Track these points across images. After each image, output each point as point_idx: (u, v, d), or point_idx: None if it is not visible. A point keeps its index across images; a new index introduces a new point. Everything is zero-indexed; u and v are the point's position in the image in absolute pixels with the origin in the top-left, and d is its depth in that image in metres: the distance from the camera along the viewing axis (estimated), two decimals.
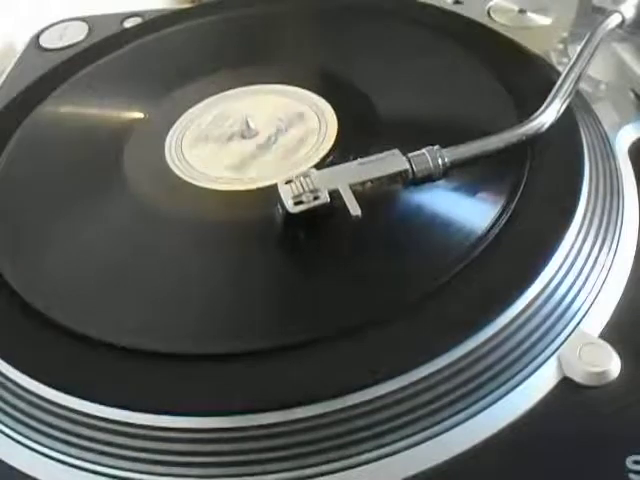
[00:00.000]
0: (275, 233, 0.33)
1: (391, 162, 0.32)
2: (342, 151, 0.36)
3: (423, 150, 0.32)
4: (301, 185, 0.31)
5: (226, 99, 0.42)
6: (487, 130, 0.34)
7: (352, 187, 0.31)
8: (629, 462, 0.25)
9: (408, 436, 0.27)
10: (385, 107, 0.38)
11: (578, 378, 0.28)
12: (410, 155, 0.32)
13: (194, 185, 0.36)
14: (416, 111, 0.38)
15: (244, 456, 0.27)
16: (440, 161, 0.32)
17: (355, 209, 0.30)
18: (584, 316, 0.29)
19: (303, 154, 0.37)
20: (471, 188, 0.33)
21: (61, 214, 0.36)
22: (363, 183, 0.32)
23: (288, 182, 0.32)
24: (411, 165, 0.32)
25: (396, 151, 0.32)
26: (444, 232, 0.32)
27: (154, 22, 0.50)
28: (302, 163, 0.36)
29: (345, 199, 0.31)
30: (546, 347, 0.28)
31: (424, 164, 0.32)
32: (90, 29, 0.52)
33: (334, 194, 0.31)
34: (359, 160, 0.32)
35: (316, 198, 0.31)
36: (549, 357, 0.28)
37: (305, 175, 0.32)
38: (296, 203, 0.31)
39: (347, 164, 0.32)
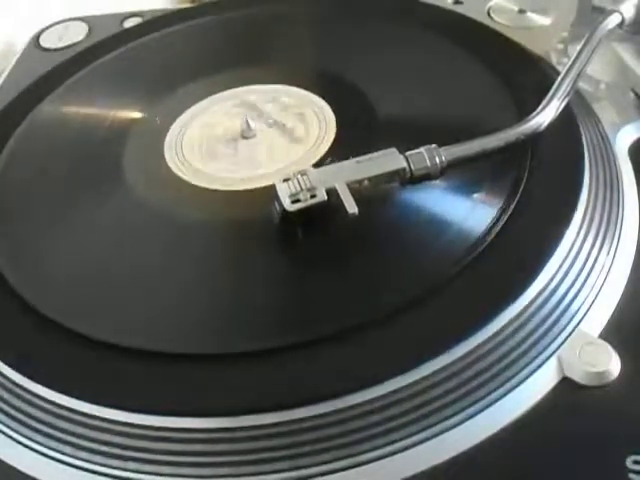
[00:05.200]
0: (273, 232, 0.33)
1: (388, 160, 0.32)
2: (341, 150, 0.36)
3: (421, 149, 0.32)
4: (298, 183, 0.31)
5: (226, 99, 0.42)
6: (486, 130, 0.34)
7: (349, 185, 0.31)
8: (629, 462, 0.25)
9: (408, 436, 0.27)
10: (384, 107, 0.38)
11: (578, 378, 0.28)
12: (408, 154, 0.32)
13: (194, 185, 0.36)
14: (415, 111, 0.38)
15: (244, 456, 0.27)
16: (437, 160, 0.32)
17: (352, 207, 0.30)
18: (584, 316, 0.29)
19: (303, 154, 0.37)
20: (471, 188, 0.33)
21: (61, 214, 0.36)
22: (360, 181, 0.32)
23: (286, 180, 0.32)
24: (408, 164, 0.32)
25: (394, 149, 0.32)
26: (443, 232, 0.32)
27: (154, 22, 0.50)
28: (301, 163, 0.36)
29: (342, 197, 0.31)
30: (546, 347, 0.28)
31: (421, 163, 0.32)
32: (90, 29, 0.52)
33: (331, 192, 0.31)
34: (356, 158, 0.32)
35: (313, 196, 0.31)
36: (549, 357, 0.28)
37: (302, 173, 0.32)
38: (293, 201, 0.31)
39: (344, 162, 0.32)
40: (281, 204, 0.31)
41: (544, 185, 0.33)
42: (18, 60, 0.51)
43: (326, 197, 0.31)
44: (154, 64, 0.46)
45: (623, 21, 0.39)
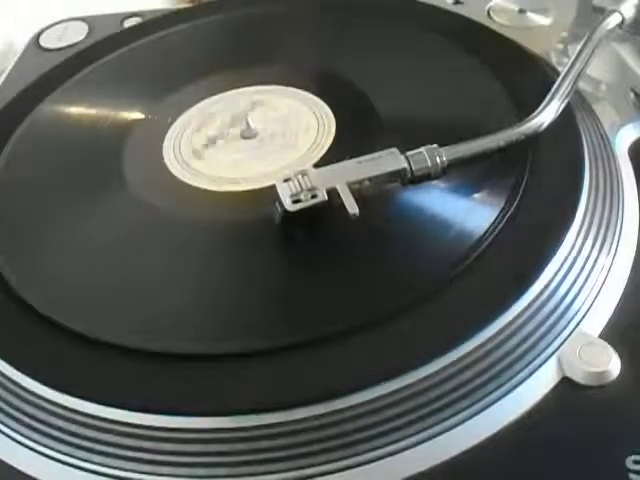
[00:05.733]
0: (273, 232, 0.32)
1: (389, 161, 0.32)
2: (341, 151, 0.36)
3: (421, 149, 0.32)
4: (299, 183, 0.31)
5: (226, 99, 0.42)
6: (486, 130, 0.34)
7: (350, 186, 0.31)
8: (629, 462, 0.25)
9: (408, 436, 0.27)
10: (384, 107, 0.38)
11: (578, 378, 0.28)
12: (408, 154, 0.32)
13: (193, 186, 0.36)
14: (416, 111, 0.38)
15: (244, 456, 0.26)
16: (438, 160, 0.32)
17: (353, 207, 0.30)
18: (584, 316, 0.29)
19: (302, 154, 0.37)
20: (471, 188, 0.33)
21: (60, 214, 0.36)
22: (361, 182, 0.32)
23: (286, 180, 0.32)
24: (409, 164, 0.32)
25: (394, 150, 0.32)
26: (443, 232, 0.31)
27: (154, 22, 0.50)
28: (302, 163, 0.36)
29: (343, 198, 0.31)
30: (546, 347, 0.28)
31: (422, 163, 0.32)
32: (90, 29, 0.52)
33: (332, 192, 0.31)
34: (357, 159, 0.32)
35: (314, 196, 0.31)
36: (549, 357, 0.28)
37: (303, 173, 0.32)
38: (294, 201, 0.31)
39: (345, 163, 0.32)
40: (282, 204, 0.31)
41: (544, 185, 0.33)
42: (18, 60, 0.51)
43: (327, 197, 0.31)
44: (154, 64, 0.46)
45: (623, 21, 0.39)
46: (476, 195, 0.33)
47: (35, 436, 0.28)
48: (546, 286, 0.29)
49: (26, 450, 0.29)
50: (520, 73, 0.39)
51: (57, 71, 0.46)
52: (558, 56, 0.42)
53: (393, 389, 0.27)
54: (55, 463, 0.28)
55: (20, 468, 0.28)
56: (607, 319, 0.30)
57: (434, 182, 0.32)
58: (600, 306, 0.30)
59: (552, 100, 0.34)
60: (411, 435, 0.27)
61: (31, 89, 0.45)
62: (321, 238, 0.32)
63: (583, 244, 0.31)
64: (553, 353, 0.28)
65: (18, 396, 0.29)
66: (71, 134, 0.41)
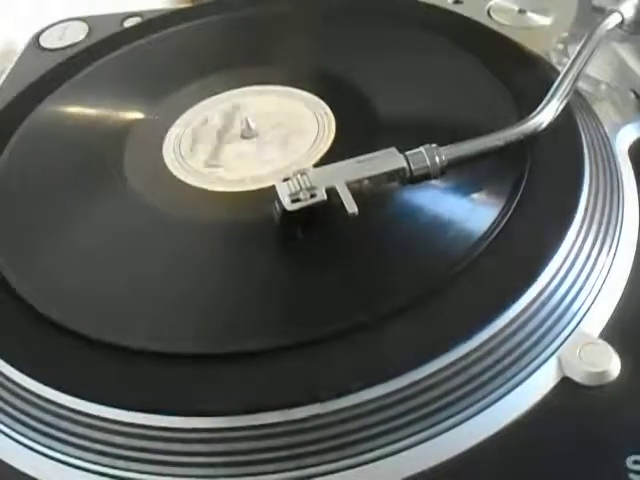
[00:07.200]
0: (273, 232, 0.32)
1: (388, 160, 0.32)
2: (341, 150, 0.36)
3: (420, 148, 0.32)
4: (298, 183, 0.31)
5: (226, 99, 0.42)
6: (486, 130, 0.34)
7: (349, 185, 0.31)
8: (629, 462, 0.25)
9: (408, 436, 0.27)
10: (385, 107, 0.38)
11: (578, 378, 0.28)
12: (407, 153, 0.32)
13: (193, 186, 0.36)
14: (416, 111, 0.38)
15: (244, 456, 0.27)
16: (437, 159, 0.32)
17: (352, 207, 0.30)
18: (584, 316, 0.29)
19: (302, 154, 0.37)
20: (471, 188, 0.33)
21: (61, 214, 0.36)
22: (360, 181, 0.32)
23: (286, 180, 0.32)
24: (408, 163, 0.32)
25: (393, 149, 0.32)
26: (443, 232, 0.31)
27: (154, 22, 0.50)
28: (301, 163, 0.36)
29: (342, 197, 0.31)
30: (546, 347, 0.28)
31: (421, 162, 0.32)
32: (90, 29, 0.52)
33: (331, 192, 0.31)
34: (356, 158, 0.32)
35: (313, 196, 0.31)
36: (549, 357, 0.28)
37: (302, 173, 0.32)
38: (293, 201, 0.31)
39: (344, 162, 0.32)
40: (281, 204, 0.31)
41: (544, 185, 0.33)
42: (18, 60, 0.51)
43: (326, 197, 0.31)
44: (154, 64, 0.46)
45: (623, 21, 0.39)
46: (475, 195, 0.33)
47: (35, 436, 0.28)
48: (546, 286, 0.29)
49: (26, 450, 0.29)
50: (520, 73, 0.39)
51: (57, 71, 0.46)
52: (558, 56, 0.42)
53: (393, 389, 0.27)
54: (55, 463, 0.28)
55: (20, 468, 0.28)
56: (607, 319, 0.30)
57: (433, 182, 0.32)
58: (600, 306, 0.30)
59: (552, 100, 0.34)
60: (411, 435, 0.27)
61: (31, 89, 0.45)
62: (320, 237, 0.32)
63: (583, 244, 0.31)
64: (553, 353, 0.28)
65: (18, 396, 0.29)
66: (71, 134, 0.41)
